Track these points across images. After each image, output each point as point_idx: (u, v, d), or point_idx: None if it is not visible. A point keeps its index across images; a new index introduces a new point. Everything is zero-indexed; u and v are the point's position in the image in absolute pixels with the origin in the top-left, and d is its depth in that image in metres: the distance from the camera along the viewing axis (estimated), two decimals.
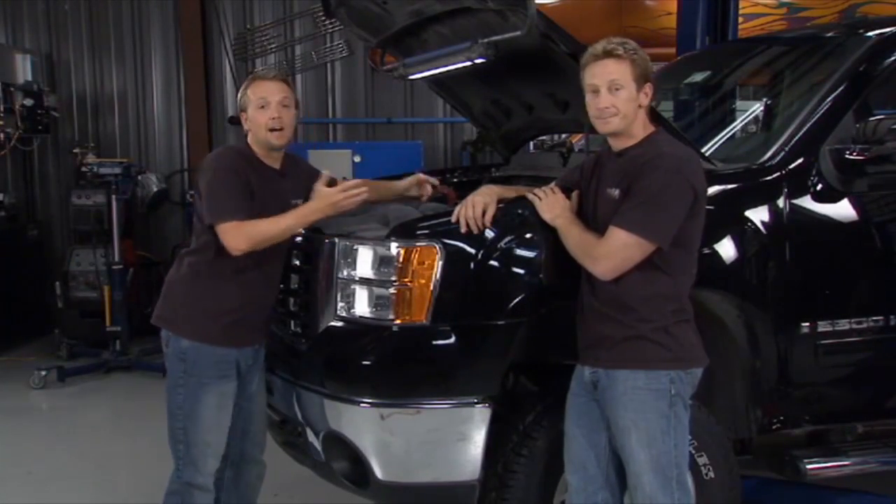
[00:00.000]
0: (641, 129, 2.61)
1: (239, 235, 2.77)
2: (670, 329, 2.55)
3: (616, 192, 2.55)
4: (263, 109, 2.88)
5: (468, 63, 3.26)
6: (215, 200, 2.82)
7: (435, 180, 3.38)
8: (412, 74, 3.83)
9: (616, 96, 2.54)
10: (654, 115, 2.70)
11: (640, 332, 2.54)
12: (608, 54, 2.54)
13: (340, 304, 2.84)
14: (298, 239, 3.03)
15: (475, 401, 2.74)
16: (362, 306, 2.79)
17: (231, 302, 2.89)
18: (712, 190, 2.92)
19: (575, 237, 2.61)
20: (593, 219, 2.65)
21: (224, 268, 2.87)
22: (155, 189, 7.39)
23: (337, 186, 2.87)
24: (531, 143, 4.72)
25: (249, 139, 2.97)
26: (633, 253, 2.48)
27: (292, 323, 3.15)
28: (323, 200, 2.83)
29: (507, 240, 2.74)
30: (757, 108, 3.85)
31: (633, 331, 2.54)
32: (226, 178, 2.83)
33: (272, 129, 2.88)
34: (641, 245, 2.47)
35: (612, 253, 2.50)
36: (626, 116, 2.56)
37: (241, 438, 3.08)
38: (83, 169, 6.90)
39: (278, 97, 2.90)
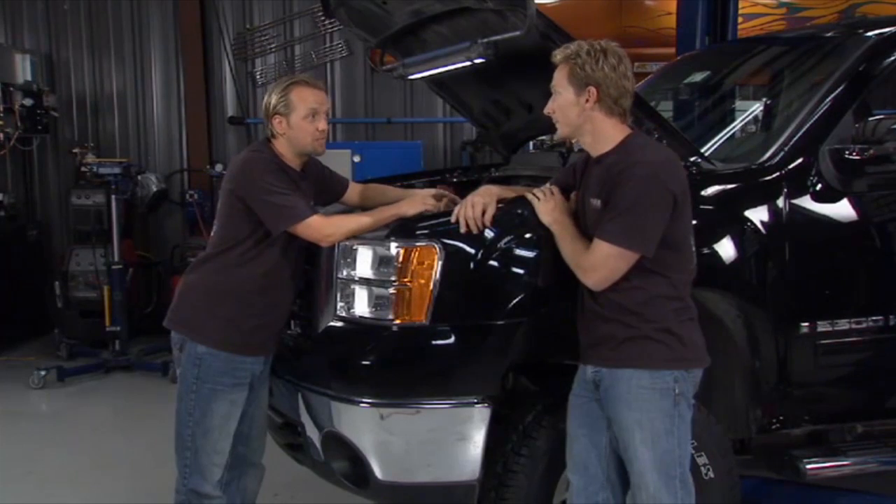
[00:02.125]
0: (612, 132, 2.58)
1: (328, 227, 2.83)
2: (674, 328, 2.54)
3: (597, 203, 2.56)
4: (313, 119, 2.90)
5: (468, 63, 3.26)
6: (282, 206, 2.82)
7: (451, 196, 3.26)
8: (412, 74, 3.83)
9: (555, 102, 2.61)
10: (648, 112, 2.70)
11: (644, 332, 2.54)
12: (552, 61, 2.61)
13: (340, 304, 2.84)
14: None
15: (475, 401, 2.74)
16: (362, 306, 2.79)
17: (255, 308, 2.89)
18: (712, 190, 2.93)
19: (567, 246, 2.62)
20: (583, 221, 2.66)
21: (251, 274, 2.87)
22: (155, 189, 7.38)
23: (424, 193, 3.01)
24: (531, 143, 4.72)
25: (280, 142, 2.95)
26: (618, 264, 2.49)
27: (292, 323, 3.15)
28: (413, 202, 2.93)
29: (506, 240, 2.74)
30: (757, 108, 3.85)
31: (636, 331, 2.54)
32: (279, 181, 2.85)
33: (318, 139, 2.92)
34: (625, 255, 2.47)
35: (598, 265, 2.51)
36: (569, 123, 2.60)
37: (242, 444, 3.07)
38: (83, 169, 6.90)
39: (325, 107, 2.94)
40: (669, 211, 2.47)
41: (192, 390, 2.90)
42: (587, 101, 2.54)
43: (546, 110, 2.65)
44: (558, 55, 2.59)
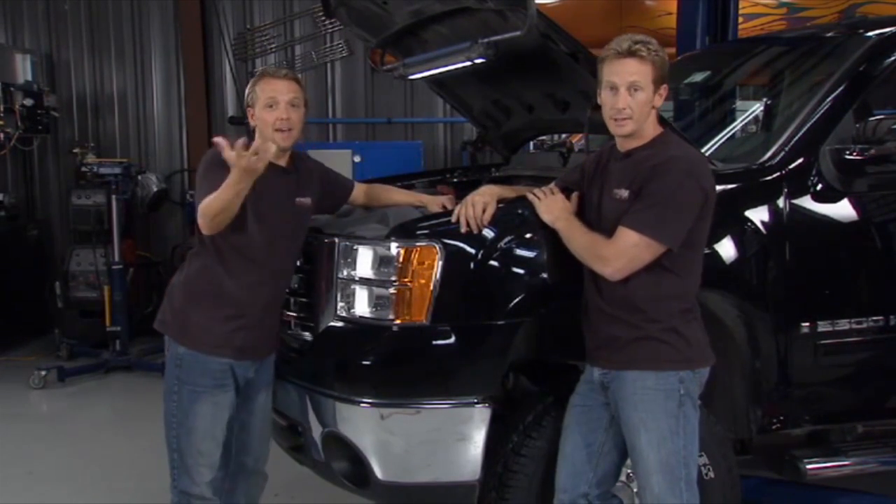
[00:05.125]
0: (651, 129, 2.59)
1: (200, 217, 2.71)
2: (680, 329, 2.55)
3: (625, 193, 2.54)
4: (271, 109, 2.82)
5: (468, 63, 3.26)
6: (197, 194, 2.78)
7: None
8: (412, 74, 3.83)
9: (634, 98, 2.51)
10: (659, 119, 2.70)
11: (650, 333, 2.54)
12: (632, 54, 2.50)
13: (340, 304, 2.84)
14: None
15: (475, 401, 2.74)
16: (362, 306, 2.79)
17: (232, 309, 2.81)
18: None
19: (580, 238, 2.60)
20: (597, 219, 2.65)
21: (228, 273, 2.80)
22: (155, 189, 7.38)
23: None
24: (531, 143, 4.72)
25: (256, 135, 2.89)
26: (643, 254, 2.48)
27: (292, 323, 3.15)
28: (234, 167, 2.61)
29: (507, 240, 2.74)
30: (757, 108, 3.85)
31: (642, 331, 2.54)
32: (208, 170, 2.77)
33: (279, 130, 2.82)
34: (651, 246, 2.47)
35: (622, 253, 2.49)
36: (639, 119, 2.54)
37: (241, 452, 3.04)
38: (83, 169, 6.90)
39: (287, 97, 2.83)
40: (699, 209, 2.49)
41: (174, 391, 2.85)
42: (659, 97, 2.54)
43: (623, 104, 2.52)
44: (643, 49, 2.50)
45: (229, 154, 2.58)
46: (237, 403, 2.93)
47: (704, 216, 2.53)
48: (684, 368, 2.56)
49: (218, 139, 2.63)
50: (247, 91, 2.93)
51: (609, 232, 2.54)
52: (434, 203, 3.14)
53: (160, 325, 2.95)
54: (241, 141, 2.63)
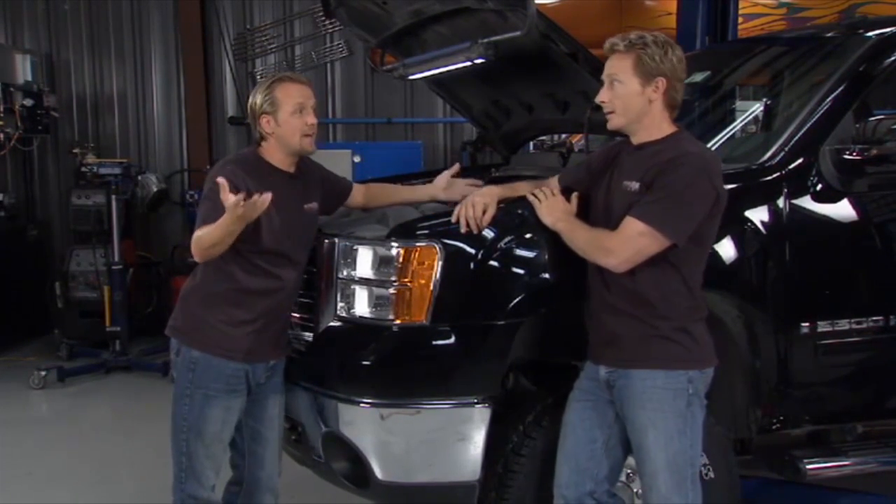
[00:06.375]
0: (663, 125, 2.58)
1: (193, 246, 2.74)
2: (689, 328, 2.55)
3: (635, 185, 2.53)
4: (301, 114, 2.81)
5: (468, 63, 3.26)
6: (198, 216, 2.80)
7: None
8: (412, 74, 3.83)
9: (613, 91, 2.55)
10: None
11: (660, 332, 2.53)
12: (611, 50, 2.55)
13: (340, 304, 2.84)
14: None
15: (475, 401, 2.74)
16: (362, 306, 2.79)
17: (246, 313, 2.81)
18: None
19: (583, 235, 2.60)
20: (605, 211, 2.63)
21: (236, 277, 2.80)
22: (155, 189, 7.39)
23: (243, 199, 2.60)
24: (531, 143, 4.72)
25: (270, 144, 2.87)
26: (648, 245, 2.47)
27: (293, 323, 3.15)
28: (229, 212, 2.62)
29: (507, 240, 2.74)
30: (757, 108, 3.85)
31: (652, 330, 2.54)
32: (209, 196, 2.78)
33: (307, 135, 2.83)
34: (657, 239, 2.46)
35: (627, 244, 2.48)
36: (627, 112, 2.55)
37: (256, 466, 3.02)
38: (83, 169, 6.91)
39: (312, 101, 2.85)
40: (709, 208, 2.48)
41: (187, 395, 2.84)
42: (654, 91, 2.53)
43: (601, 99, 2.57)
44: (621, 43, 2.52)
45: (226, 198, 2.58)
46: (246, 409, 2.93)
47: (714, 215, 2.52)
48: (693, 368, 2.56)
49: (221, 180, 2.62)
50: (260, 97, 2.86)
51: (616, 225, 2.53)
52: (425, 193, 3.19)
53: (172, 330, 2.94)
54: (240, 196, 2.58)
